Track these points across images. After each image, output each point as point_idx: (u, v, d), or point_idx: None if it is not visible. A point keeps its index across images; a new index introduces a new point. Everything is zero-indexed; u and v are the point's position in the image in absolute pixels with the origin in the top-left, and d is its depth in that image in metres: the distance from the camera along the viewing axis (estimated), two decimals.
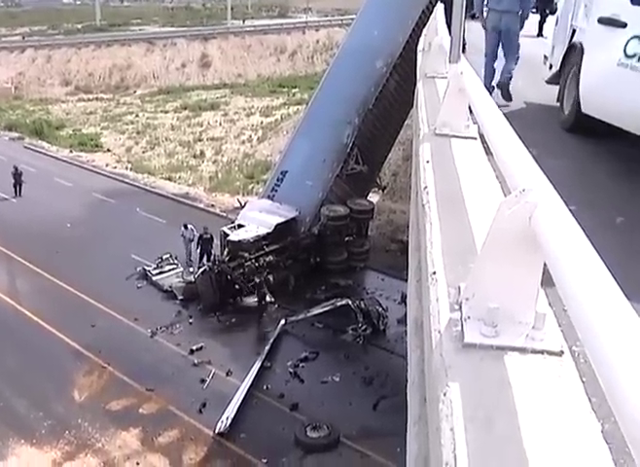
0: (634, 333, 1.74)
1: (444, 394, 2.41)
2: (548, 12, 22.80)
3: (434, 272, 3.25)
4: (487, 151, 5.08)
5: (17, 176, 37.79)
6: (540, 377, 2.50)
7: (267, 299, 26.06)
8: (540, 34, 25.02)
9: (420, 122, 6.85)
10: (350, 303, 25.15)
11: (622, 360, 1.67)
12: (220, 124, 57.44)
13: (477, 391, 2.43)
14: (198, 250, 29.30)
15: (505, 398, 2.38)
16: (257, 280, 26.02)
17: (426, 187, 4.50)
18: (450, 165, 5.04)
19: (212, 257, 28.28)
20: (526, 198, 2.60)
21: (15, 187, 37.66)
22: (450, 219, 3.91)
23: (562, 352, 2.60)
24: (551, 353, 2.60)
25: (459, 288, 2.91)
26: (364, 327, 24.31)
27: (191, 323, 25.24)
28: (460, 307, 2.82)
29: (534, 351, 2.60)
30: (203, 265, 27.26)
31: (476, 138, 5.77)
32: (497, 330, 2.64)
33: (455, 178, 4.66)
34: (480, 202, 4.04)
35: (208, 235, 29.07)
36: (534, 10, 33.49)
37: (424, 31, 16.17)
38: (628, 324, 1.78)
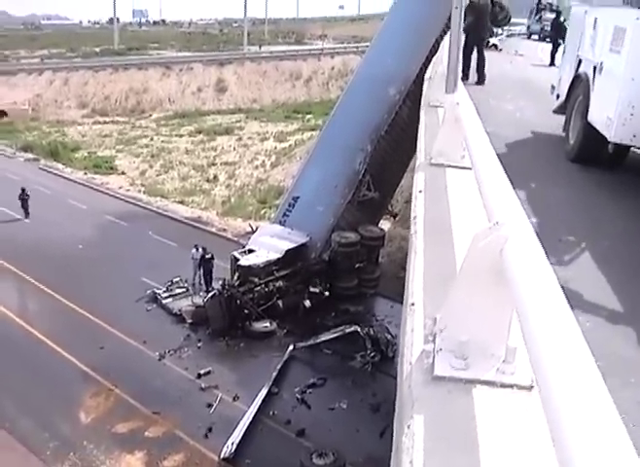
0: (589, 382, 1.74)
1: (409, 427, 2.40)
2: (560, 41, 22.74)
3: (412, 303, 3.25)
4: None
5: (25, 198, 37.97)
6: (508, 411, 2.49)
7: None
8: (552, 63, 25.04)
9: (419, 151, 6.87)
10: (359, 329, 25.08)
11: (573, 413, 1.66)
12: (234, 148, 57.59)
13: (442, 424, 2.41)
14: (201, 271, 29.33)
15: (470, 432, 2.37)
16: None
17: (415, 216, 4.50)
18: (442, 195, 5.05)
19: (212, 275, 28.57)
20: (498, 231, 2.60)
21: (23, 208, 37.82)
22: (436, 249, 3.91)
23: (532, 387, 2.59)
24: (520, 387, 2.59)
25: (435, 319, 2.91)
26: (372, 354, 24.20)
27: (199, 347, 25.16)
28: (434, 339, 2.82)
29: (503, 385, 2.59)
30: (213, 289, 27.19)
31: (471, 168, 5.77)
32: (467, 362, 2.63)
33: (446, 208, 4.66)
34: (468, 233, 4.03)
35: (209, 255, 29.12)
36: (547, 39, 33.65)
37: (433, 60, 16.26)
38: (583, 371, 1.78)
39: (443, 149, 5.94)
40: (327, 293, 27.69)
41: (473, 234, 2.79)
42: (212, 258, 29.28)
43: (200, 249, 29.57)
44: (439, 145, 5.98)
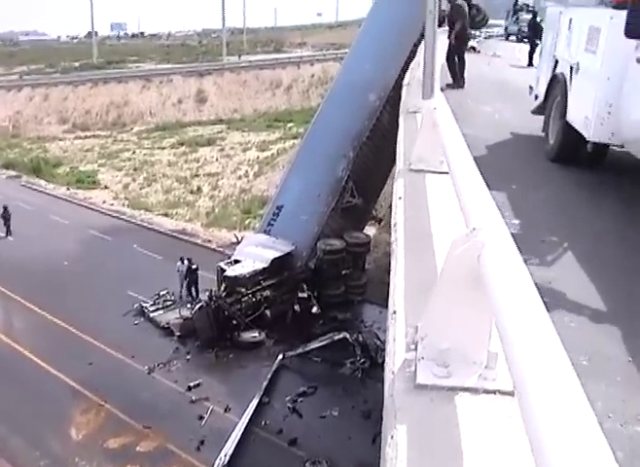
0: (565, 386, 1.74)
1: (392, 437, 2.40)
2: (538, 42, 22.78)
3: (394, 312, 3.25)
4: None
5: (7, 216, 37.90)
6: (491, 417, 2.49)
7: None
8: (530, 64, 25.12)
9: (398, 157, 6.88)
10: (348, 336, 25.09)
11: (549, 413, 1.67)
12: (216, 159, 57.53)
13: (425, 433, 2.41)
14: (186, 282, 29.31)
15: (453, 440, 2.36)
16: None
17: (396, 223, 4.50)
18: (423, 202, 5.05)
19: (197, 287, 28.72)
20: (475, 237, 2.60)
21: (5, 226, 37.74)
22: (417, 256, 3.91)
23: (514, 392, 2.59)
24: (503, 393, 2.59)
25: (417, 328, 2.91)
26: (362, 360, 24.20)
27: (188, 359, 25.11)
28: (416, 347, 2.82)
29: (486, 391, 2.59)
30: (200, 300, 27.13)
31: (448, 173, 5.78)
32: (449, 370, 2.63)
33: (426, 214, 4.67)
34: (448, 240, 4.03)
35: (194, 266, 29.10)
36: (525, 40, 33.78)
37: (411, 65, 16.29)
38: (560, 376, 1.78)
39: (421, 155, 5.95)
40: (315, 305, 27.65)
41: (451, 241, 2.80)
42: (197, 269, 29.26)
43: (185, 261, 29.55)
44: (418, 151, 6.00)
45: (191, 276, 29.32)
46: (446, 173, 5.86)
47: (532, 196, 8.52)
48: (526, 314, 2.06)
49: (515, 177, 9.07)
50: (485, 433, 2.39)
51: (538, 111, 11.99)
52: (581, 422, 1.59)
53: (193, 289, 29.34)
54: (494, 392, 2.57)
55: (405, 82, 14.45)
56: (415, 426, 2.42)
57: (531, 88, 13.12)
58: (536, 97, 12.41)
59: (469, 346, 2.64)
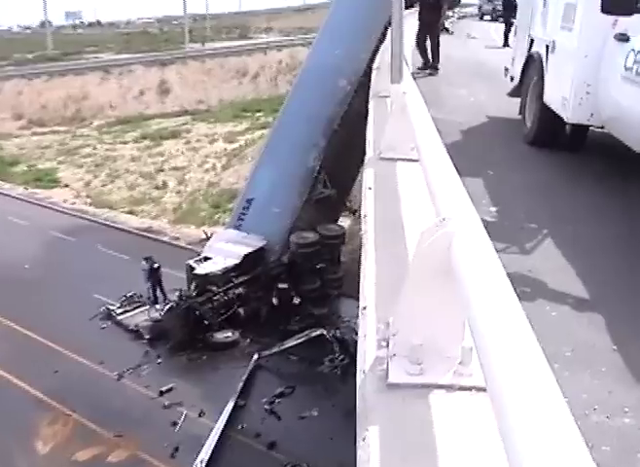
0: (538, 381, 1.74)
1: (364, 439, 2.40)
2: (513, 21, 22.84)
3: (364, 307, 3.25)
4: None
5: None
6: (466, 415, 2.49)
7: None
8: (506, 44, 25.22)
9: (367, 145, 6.88)
10: (325, 332, 25.10)
11: (520, 409, 1.67)
12: (182, 152, 57.29)
13: (398, 434, 2.41)
14: (149, 283, 29.17)
15: (427, 440, 2.36)
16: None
17: (365, 215, 4.50)
18: (393, 191, 5.05)
19: (161, 286, 28.46)
20: (445, 228, 2.60)
21: None
22: (388, 249, 3.91)
23: None
24: (478, 389, 2.59)
25: (387, 323, 2.90)
26: (341, 357, 24.21)
27: (159, 363, 25.01)
28: (387, 344, 2.81)
29: (461, 388, 2.60)
30: (169, 301, 27.01)
31: (418, 160, 5.77)
32: (422, 367, 2.63)
33: (397, 205, 4.67)
34: (417, 231, 4.03)
35: (156, 265, 28.96)
36: (500, 19, 33.91)
37: (381, 48, 16.28)
38: (532, 367, 1.78)
39: (391, 142, 5.94)
40: (295, 296, 27.71)
41: (420, 232, 2.79)
42: (159, 268, 29.05)
43: (145, 260, 29.37)
44: (387, 138, 5.99)
45: (153, 276, 29.13)
46: (416, 160, 5.89)
47: (510, 181, 8.56)
48: (498, 306, 2.05)
49: (491, 162, 9.11)
50: (461, 431, 2.40)
51: (514, 93, 12.05)
52: (555, 418, 1.59)
53: (157, 289, 29.17)
54: (470, 389, 2.57)
55: (374, 65, 14.43)
56: (388, 427, 2.42)
57: (506, 69, 13.16)
58: (512, 79, 12.46)
59: (442, 342, 2.64)
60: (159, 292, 29.03)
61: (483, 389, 2.58)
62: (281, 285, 27.71)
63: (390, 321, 2.87)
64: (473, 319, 2.13)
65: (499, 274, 2.24)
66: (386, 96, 9.16)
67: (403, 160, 5.86)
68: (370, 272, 3.61)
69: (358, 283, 13.12)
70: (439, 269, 2.59)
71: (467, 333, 2.74)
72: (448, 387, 2.58)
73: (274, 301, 27.50)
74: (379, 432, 2.41)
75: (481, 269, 2.28)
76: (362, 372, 2.78)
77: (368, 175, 5.53)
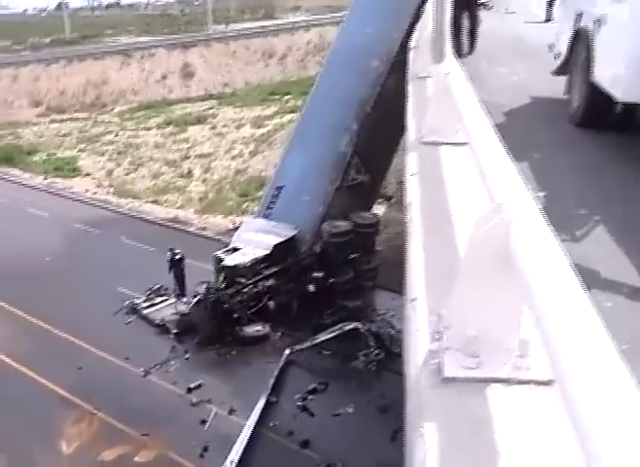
0: (607, 364, 1.74)
1: (421, 436, 2.40)
2: None
3: (414, 299, 3.25)
4: None
5: None
6: (527, 410, 2.49)
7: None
8: (548, 19, 24.96)
9: (408, 129, 6.85)
10: (360, 326, 25.07)
11: (592, 394, 1.67)
12: (208, 138, 57.39)
13: (456, 430, 2.41)
14: (173, 274, 29.31)
15: (488, 437, 2.36)
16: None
17: (410, 202, 4.49)
18: (438, 177, 5.03)
19: (184, 278, 28.65)
20: (501, 214, 2.59)
21: None
22: (436, 237, 3.90)
23: (551, 381, 2.58)
24: (538, 383, 2.58)
25: (440, 316, 2.91)
26: (376, 351, 24.21)
27: (187, 359, 25.12)
28: (440, 337, 2.82)
29: (520, 382, 2.59)
30: (197, 294, 27.06)
31: (466, 144, 5.75)
32: (478, 361, 2.63)
33: (443, 191, 4.65)
34: (470, 217, 4.01)
35: (178, 256, 29.04)
36: None
37: (417, 26, 16.19)
38: (603, 357, 1.78)
39: (434, 125, 5.92)
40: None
41: (474, 219, 2.79)
42: (182, 259, 29.15)
43: (170, 251, 29.48)
44: (430, 121, 5.97)
45: (176, 268, 29.24)
46: (463, 144, 5.87)
47: (557, 164, 8.49)
48: (563, 295, 2.05)
49: (537, 145, 9.04)
50: (521, 427, 2.40)
51: (560, 71, 11.91)
52: (631, 410, 1.59)
53: (180, 282, 29.30)
54: (529, 383, 2.57)
55: (411, 45, 14.35)
56: (445, 423, 2.43)
57: (551, 46, 13.01)
58: (557, 56, 12.32)
59: (499, 334, 2.64)
60: (182, 284, 29.23)
61: (543, 383, 2.58)
62: (316, 274, 27.64)
63: (442, 313, 2.87)
64: (537, 309, 2.13)
65: (562, 262, 2.24)
66: (426, 77, 9.14)
67: (447, 143, 5.85)
68: (417, 263, 3.60)
69: (393, 274, 13.10)
70: (495, 256, 2.59)
71: (524, 324, 2.74)
72: (506, 381, 2.57)
73: (311, 287, 27.37)
74: (436, 428, 2.41)
75: (544, 256, 2.28)
76: (414, 366, 2.78)
77: (410, 160, 5.52)
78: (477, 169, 4.43)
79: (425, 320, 3.03)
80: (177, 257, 28.96)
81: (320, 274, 27.64)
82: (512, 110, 10.75)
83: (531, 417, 2.46)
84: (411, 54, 13.09)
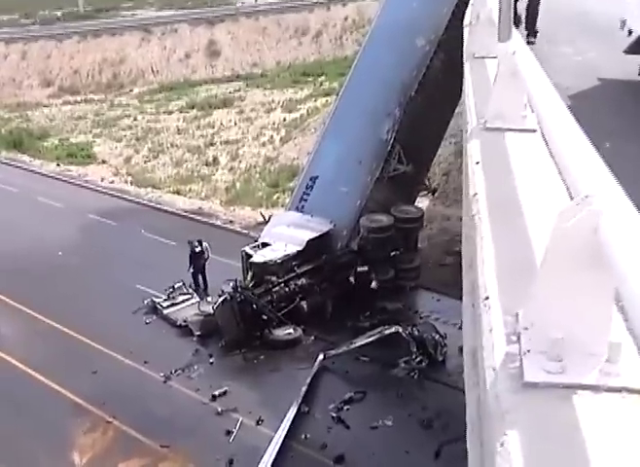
0: None
1: (502, 444, 2.42)
2: None
3: (487, 297, 3.26)
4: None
5: None
6: (618, 420, 2.49)
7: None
8: None
9: (468, 114, 6.85)
10: (401, 330, 25.02)
11: None
12: (235, 123, 57.60)
13: (541, 440, 2.43)
14: (191, 269, 29.51)
15: (576, 448, 2.38)
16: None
17: (476, 194, 4.50)
18: (505, 166, 5.04)
19: (204, 274, 29.23)
20: (590, 206, 2.60)
21: None
22: (506, 231, 3.91)
23: None
24: (630, 391, 2.58)
25: (517, 315, 2.92)
26: (419, 359, 24.19)
27: (211, 363, 25.25)
28: (518, 339, 2.83)
29: (610, 389, 2.59)
30: (223, 293, 27.08)
31: (535, 131, 5.76)
32: (563, 365, 2.63)
33: (511, 181, 4.66)
34: (543, 210, 4.02)
35: (198, 248, 29.16)
36: None
37: (471, 1, 16.12)
38: None
39: (499, 110, 5.92)
40: (374, 280, 27.67)
41: (555, 212, 2.80)
42: (203, 252, 29.28)
43: (192, 243, 29.56)
44: (494, 105, 5.97)
45: (196, 262, 29.36)
46: (532, 131, 5.87)
47: (630, 154, 8.43)
48: None
49: (607, 132, 8.98)
50: (611, 438, 2.40)
51: (633, 50, 11.81)
52: None
53: (199, 277, 29.47)
54: (619, 390, 2.57)
55: (465, 21, 14.28)
56: (529, 431, 2.43)
57: (623, 21, 12.89)
58: (630, 33, 12.21)
59: (585, 336, 2.64)
60: (201, 281, 29.40)
61: (636, 391, 2.59)
62: (360, 268, 27.64)
63: (520, 313, 2.89)
64: (631, 310, 2.14)
65: None
66: (484, 57, 9.12)
67: (513, 130, 5.85)
68: (488, 258, 3.62)
69: (437, 273, 13.24)
70: (582, 252, 2.60)
71: (614, 326, 2.76)
72: (594, 388, 2.58)
73: (352, 281, 27.39)
74: (520, 437, 2.42)
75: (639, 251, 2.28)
76: (491, 369, 2.79)
77: (473, 148, 5.52)
78: (551, 158, 4.44)
79: (500, 320, 3.05)
80: (197, 249, 29.12)
81: (364, 268, 27.62)
82: (576, 93, 10.68)
83: (623, 428, 2.46)
84: (466, 32, 13.01)
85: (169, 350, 25.88)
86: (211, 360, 25.39)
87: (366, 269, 27.67)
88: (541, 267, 2.79)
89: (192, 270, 29.50)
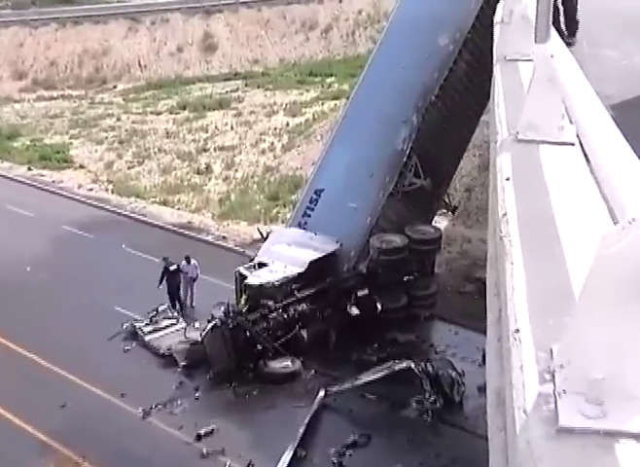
0: None
1: None
2: None
3: (517, 330, 3.27)
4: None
5: None
6: None
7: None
8: None
9: (498, 123, 6.86)
10: (413, 365, 24.99)
11: None
12: (231, 127, 57.61)
13: None
14: (166, 288, 29.73)
15: None
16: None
17: (505, 214, 4.51)
18: (539, 183, 5.05)
19: (179, 293, 29.47)
20: (637, 230, 2.60)
21: None
22: (539, 256, 3.92)
23: None
24: None
25: (551, 351, 2.93)
26: (433, 398, 24.15)
27: (197, 398, 25.23)
28: (553, 378, 2.84)
29: None
30: (213, 318, 27.02)
31: (573, 144, 5.77)
32: (604, 409, 2.64)
33: (546, 200, 4.67)
34: (582, 234, 4.03)
35: (174, 266, 29.22)
36: None
37: None
38: None
39: (533, 119, 5.94)
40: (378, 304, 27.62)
41: (597, 236, 2.81)
42: (178, 270, 29.34)
43: (167, 259, 29.63)
44: (527, 114, 5.99)
45: (171, 281, 29.44)
46: (570, 144, 5.89)
47: None
48: None
49: None
50: None
51: None
52: None
53: (173, 297, 29.63)
54: None
55: (496, 18, 14.30)
56: None
57: None
58: None
59: (629, 377, 2.64)
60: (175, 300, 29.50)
61: None
62: (360, 292, 27.57)
63: (554, 349, 2.90)
64: None
65: None
66: (517, 60, 9.15)
67: (548, 142, 5.87)
68: (519, 287, 3.62)
69: (456, 302, 13.23)
70: (628, 282, 2.60)
71: None
72: (639, 437, 2.58)
73: (355, 310, 27.31)
74: None
75: None
76: (522, 411, 2.80)
77: (503, 162, 5.53)
78: (592, 175, 4.46)
79: (532, 356, 3.05)
80: (171, 267, 29.18)
81: (364, 292, 27.54)
82: (621, 102, 10.71)
83: None
84: (497, 31, 13.03)
85: (150, 382, 25.87)
86: (197, 394, 25.37)
87: (366, 292, 27.56)
88: (579, 297, 2.79)
89: (167, 290, 29.57)
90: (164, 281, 29.66)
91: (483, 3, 27.31)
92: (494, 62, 10.48)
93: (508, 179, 5.16)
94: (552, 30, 7.26)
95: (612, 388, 2.65)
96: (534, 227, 4.34)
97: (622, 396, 2.66)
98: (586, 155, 5.12)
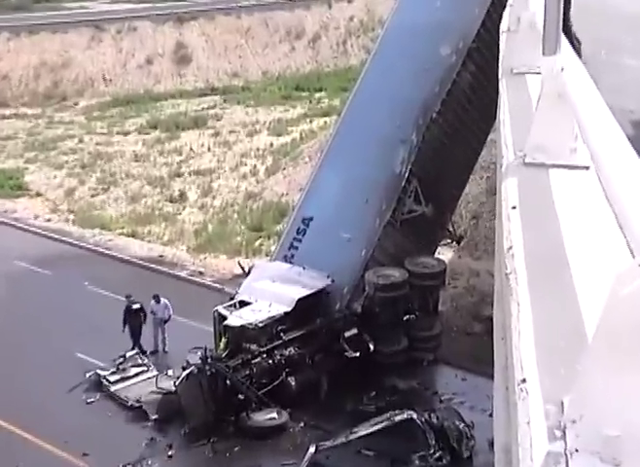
0: None
1: None
2: None
3: (523, 380, 3.27)
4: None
5: None
6: None
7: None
8: None
9: (503, 144, 6.89)
10: (415, 416, 24.95)
11: None
12: (208, 149, 57.71)
13: None
14: (127, 329, 29.63)
15: None
16: None
17: (511, 247, 4.52)
18: (548, 212, 5.06)
19: (139, 335, 29.26)
20: None
21: None
22: (548, 296, 3.93)
23: None
24: None
25: (562, 404, 2.93)
26: (438, 454, 24.09)
27: (170, 456, 25.04)
28: (564, 435, 2.84)
29: None
30: (188, 365, 26.92)
31: (587, 168, 5.78)
32: None
33: (556, 232, 4.68)
34: (595, 270, 4.03)
35: (136, 305, 29.22)
36: None
37: (510, 1, 16.26)
38: None
39: (542, 140, 5.95)
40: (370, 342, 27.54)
41: (611, 273, 2.82)
42: (141, 309, 29.33)
43: (129, 298, 29.66)
44: (536, 135, 6.01)
45: (132, 322, 29.44)
46: (583, 168, 5.90)
47: None
48: None
49: None
50: None
51: None
52: None
53: (134, 338, 29.58)
54: None
55: (503, 26, 14.38)
56: None
57: None
58: None
59: None
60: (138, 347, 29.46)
61: None
62: (348, 333, 27.48)
63: (565, 401, 2.90)
64: None
65: None
66: (525, 73, 9.18)
67: (559, 166, 5.88)
68: (526, 330, 3.63)
69: (464, 344, 13.27)
70: None
71: None
72: None
73: (351, 354, 27.24)
74: None
75: None
76: None
77: (509, 189, 5.54)
78: (608, 203, 4.46)
79: (540, 410, 3.06)
80: (134, 306, 29.17)
81: (353, 332, 27.51)
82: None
83: None
84: (503, 40, 13.09)
85: (116, 439, 25.70)
86: (170, 452, 25.18)
87: (355, 331, 27.51)
88: (592, 342, 2.80)
89: (129, 331, 29.57)
90: (127, 322, 29.63)
91: (490, 9, 27.39)
92: (500, 76, 10.53)
93: (514, 207, 5.17)
94: (564, 39, 7.29)
95: (629, 447, 2.65)
96: (543, 262, 4.35)
97: (639, 455, 2.67)
98: (600, 180, 5.14)
